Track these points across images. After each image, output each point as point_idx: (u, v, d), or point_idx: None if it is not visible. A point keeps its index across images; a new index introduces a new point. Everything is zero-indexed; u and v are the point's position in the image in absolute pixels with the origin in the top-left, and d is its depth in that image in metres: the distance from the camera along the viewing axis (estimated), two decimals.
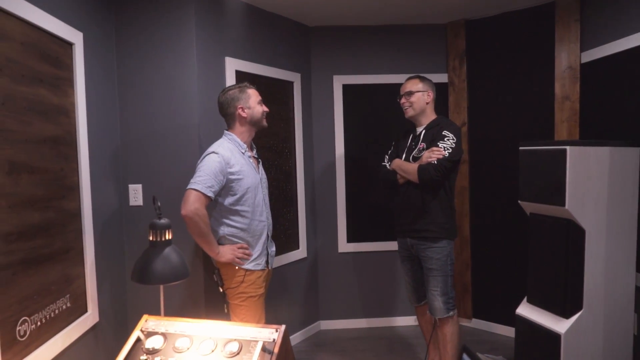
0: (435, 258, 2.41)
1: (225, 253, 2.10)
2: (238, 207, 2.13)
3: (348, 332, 3.51)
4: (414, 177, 2.36)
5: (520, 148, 2.37)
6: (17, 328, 1.50)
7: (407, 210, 2.48)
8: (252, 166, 2.21)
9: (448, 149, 2.32)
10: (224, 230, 2.15)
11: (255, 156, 2.31)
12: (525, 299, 2.43)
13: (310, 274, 3.49)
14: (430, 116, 2.53)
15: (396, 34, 3.49)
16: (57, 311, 1.75)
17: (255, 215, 2.19)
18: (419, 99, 2.48)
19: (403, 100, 2.53)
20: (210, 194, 2.00)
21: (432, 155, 2.33)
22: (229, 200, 2.12)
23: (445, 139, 2.35)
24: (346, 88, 3.51)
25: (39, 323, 1.63)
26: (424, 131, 2.49)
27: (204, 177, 2.00)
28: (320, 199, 3.53)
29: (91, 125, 2.11)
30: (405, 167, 2.44)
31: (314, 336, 3.48)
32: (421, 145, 2.45)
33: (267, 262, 2.27)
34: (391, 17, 3.32)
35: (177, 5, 2.50)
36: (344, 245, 3.56)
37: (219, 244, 2.13)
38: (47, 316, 1.69)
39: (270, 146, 3.10)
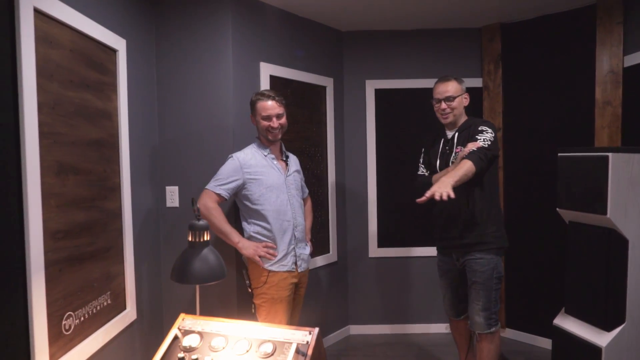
0: (479, 271, 2.26)
1: (248, 247, 2.18)
2: (258, 207, 2.22)
3: (377, 338, 3.49)
4: (471, 172, 2.05)
5: (559, 154, 2.31)
6: (63, 322, 1.57)
7: (453, 222, 2.31)
8: (277, 168, 2.28)
9: (487, 141, 2.17)
10: (250, 228, 2.26)
11: (283, 159, 2.36)
12: (562, 310, 2.36)
13: (340, 278, 3.49)
14: (462, 118, 2.39)
15: (429, 38, 3.46)
16: (98, 307, 1.82)
17: (279, 215, 2.23)
18: (459, 103, 2.34)
19: (443, 106, 2.33)
20: (220, 191, 2.19)
21: (469, 147, 2.16)
22: (249, 199, 2.23)
23: (483, 132, 2.21)
24: (378, 92, 3.50)
25: (82, 318, 1.69)
26: (457, 134, 2.35)
27: (217, 178, 2.21)
28: (351, 203, 3.53)
29: (132, 129, 2.19)
30: (458, 172, 2.02)
31: (343, 340, 3.47)
32: (458, 149, 2.30)
33: (295, 263, 2.28)
34: (424, 21, 3.30)
35: (214, 12, 2.56)
36: (375, 250, 3.54)
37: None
38: (90, 312, 1.75)
39: (302, 150, 3.13)
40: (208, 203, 2.17)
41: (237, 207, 2.41)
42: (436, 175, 2.34)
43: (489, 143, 2.18)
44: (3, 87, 1.32)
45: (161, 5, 2.55)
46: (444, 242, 2.41)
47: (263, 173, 2.23)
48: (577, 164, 2.20)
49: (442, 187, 1.89)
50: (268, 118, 2.24)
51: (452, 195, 1.86)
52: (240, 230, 2.31)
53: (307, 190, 2.61)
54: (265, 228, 2.23)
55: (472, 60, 3.46)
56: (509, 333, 3.43)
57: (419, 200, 1.94)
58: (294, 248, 2.28)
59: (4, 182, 1.32)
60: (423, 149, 2.58)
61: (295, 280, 2.29)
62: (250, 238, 2.24)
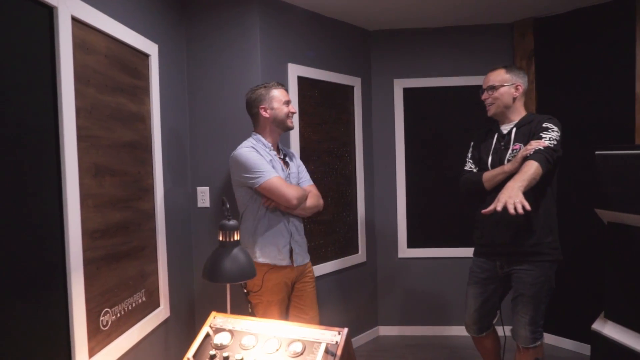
0: (530, 283, 2.08)
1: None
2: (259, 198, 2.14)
3: (407, 339, 3.46)
4: (538, 174, 1.85)
5: (597, 152, 2.22)
6: (101, 318, 1.63)
7: (505, 227, 2.11)
8: (279, 165, 2.20)
9: (553, 141, 1.96)
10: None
11: (282, 157, 2.27)
12: (602, 314, 2.28)
13: (369, 278, 3.48)
14: (520, 112, 2.18)
15: (459, 35, 3.40)
16: (134, 304, 1.88)
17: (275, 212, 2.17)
18: (503, 93, 2.14)
19: (485, 95, 2.20)
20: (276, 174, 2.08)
21: (532, 145, 1.95)
22: (251, 191, 2.14)
23: (548, 130, 1.99)
24: (407, 91, 3.47)
25: (118, 315, 1.75)
26: (514, 129, 2.15)
27: (258, 168, 2.06)
28: (380, 203, 3.51)
29: (164, 131, 2.25)
30: (525, 175, 1.82)
31: (372, 341, 3.45)
32: (516, 146, 2.10)
33: (290, 257, 2.19)
34: (454, 18, 3.25)
35: (242, 15, 2.60)
36: (404, 251, 3.51)
37: (256, 232, 2.15)
38: (126, 309, 1.81)
39: (330, 150, 3.13)
40: (285, 184, 2.07)
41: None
42: (487, 174, 2.13)
43: (555, 143, 1.97)
44: (43, 93, 1.38)
45: (191, 10, 2.61)
46: (489, 247, 2.22)
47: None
48: (616, 162, 2.11)
49: (513, 196, 1.67)
50: (288, 103, 2.21)
51: (528, 207, 1.65)
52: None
53: (309, 182, 2.40)
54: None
55: (504, 57, 3.37)
56: (546, 338, 3.32)
57: (484, 211, 1.74)
58: (289, 241, 2.19)
59: (46, 184, 1.38)
60: (472, 143, 2.38)
61: (291, 279, 2.22)
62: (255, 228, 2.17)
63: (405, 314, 3.55)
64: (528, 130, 2.11)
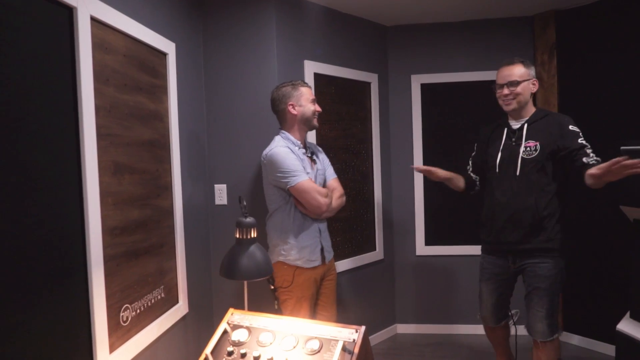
0: (544, 276, 2.09)
1: None
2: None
3: (426, 338, 3.43)
4: None
5: (622, 148, 2.15)
6: (121, 314, 1.65)
7: (515, 225, 2.12)
8: (307, 163, 2.21)
9: (588, 144, 2.06)
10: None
11: (309, 155, 2.27)
12: (627, 314, 2.21)
13: (387, 276, 3.46)
14: (531, 108, 2.19)
15: (478, 29, 3.34)
16: (153, 301, 1.90)
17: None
18: (525, 89, 2.11)
19: (506, 91, 2.14)
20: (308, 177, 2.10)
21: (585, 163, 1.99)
22: (283, 192, 2.15)
23: (580, 135, 2.07)
24: (424, 87, 3.43)
25: (138, 311, 1.77)
26: (525, 125, 2.14)
27: (291, 170, 2.06)
28: (398, 200, 3.48)
29: (182, 129, 2.27)
30: None
31: (390, 339, 3.43)
32: (531, 143, 2.10)
33: (322, 256, 2.22)
34: (472, 12, 3.19)
35: (259, 12, 2.60)
36: (422, 248, 3.47)
37: (287, 235, 2.16)
38: (145, 305, 1.83)
39: (347, 147, 3.12)
40: (317, 189, 2.08)
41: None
42: (593, 171, 1.86)
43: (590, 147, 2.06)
44: (64, 92, 1.40)
45: (207, 8, 2.62)
46: (497, 245, 2.23)
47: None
48: None
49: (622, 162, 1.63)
50: (314, 101, 2.23)
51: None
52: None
53: (333, 175, 2.41)
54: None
55: (524, 50, 3.30)
56: (566, 337, 3.26)
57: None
58: (319, 240, 2.22)
59: (66, 182, 1.40)
60: (476, 145, 2.41)
61: (320, 275, 2.24)
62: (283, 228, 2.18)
63: (423, 312, 3.52)
64: (546, 127, 2.10)
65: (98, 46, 1.56)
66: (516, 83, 2.12)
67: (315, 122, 2.24)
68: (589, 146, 2.06)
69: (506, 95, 2.16)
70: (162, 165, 2.05)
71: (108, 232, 1.59)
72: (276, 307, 2.23)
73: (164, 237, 2.04)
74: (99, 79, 1.56)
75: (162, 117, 2.07)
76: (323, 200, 2.10)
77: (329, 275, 2.32)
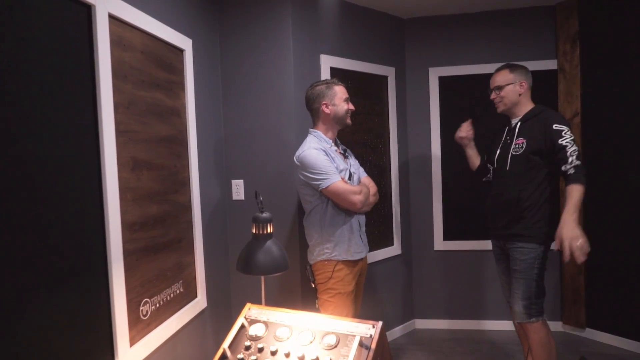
0: (520, 259, 2.22)
1: None
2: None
3: (444, 333, 3.40)
4: (582, 194, 2.04)
5: None
6: (140, 308, 1.68)
7: (500, 215, 2.32)
8: (340, 159, 2.23)
9: (573, 146, 2.07)
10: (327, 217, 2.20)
11: (342, 152, 2.31)
12: None
13: (405, 271, 3.43)
14: (526, 106, 2.31)
15: (497, 19, 3.27)
16: (172, 295, 1.93)
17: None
18: (509, 92, 2.30)
19: (493, 95, 2.37)
20: (341, 177, 2.11)
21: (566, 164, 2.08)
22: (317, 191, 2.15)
23: (564, 136, 2.09)
24: (442, 80, 3.38)
25: (157, 305, 1.80)
26: (519, 124, 2.29)
27: (323, 171, 2.07)
28: (415, 194, 3.45)
29: (199, 125, 2.28)
30: (575, 203, 2.02)
31: (409, 334, 3.42)
32: (519, 141, 2.25)
33: (362, 250, 2.26)
34: (492, 2, 3.13)
35: (275, 7, 2.59)
36: (440, 243, 3.44)
37: (327, 232, 2.17)
38: (164, 299, 1.86)
39: (365, 142, 3.10)
40: (353, 188, 2.11)
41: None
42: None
43: (576, 147, 2.08)
44: (83, 89, 1.42)
45: (224, 4, 2.63)
46: (494, 230, 2.44)
47: (335, 163, 2.17)
48: None
49: (575, 239, 1.92)
50: (348, 100, 2.25)
51: (587, 249, 1.93)
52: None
53: (364, 174, 2.45)
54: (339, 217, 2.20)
55: (546, 40, 3.22)
56: (589, 333, 3.20)
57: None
58: (360, 234, 2.25)
59: (87, 178, 1.42)
60: (492, 138, 2.55)
61: (358, 270, 2.27)
62: (328, 226, 2.18)
63: (441, 307, 3.49)
64: (534, 125, 2.21)
65: (116, 43, 1.57)
66: (500, 87, 2.32)
67: (348, 120, 2.27)
68: (571, 145, 2.07)
69: (494, 99, 2.37)
70: (180, 160, 2.07)
71: (127, 227, 1.61)
72: (317, 306, 2.24)
73: (182, 232, 2.06)
74: (117, 75, 1.57)
75: (179, 113, 2.08)
76: (357, 199, 2.11)
77: (363, 270, 2.35)
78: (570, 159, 2.06)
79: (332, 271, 2.17)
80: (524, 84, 2.29)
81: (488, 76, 3.27)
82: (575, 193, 2.02)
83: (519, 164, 2.24)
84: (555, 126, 2.13)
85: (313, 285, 2.23)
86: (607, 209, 3.05)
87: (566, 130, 2.11)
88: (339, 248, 2.16)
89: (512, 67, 2.32)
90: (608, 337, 3.10)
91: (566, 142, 2.08)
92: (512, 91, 2.29)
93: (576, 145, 2.09)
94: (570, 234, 1.95)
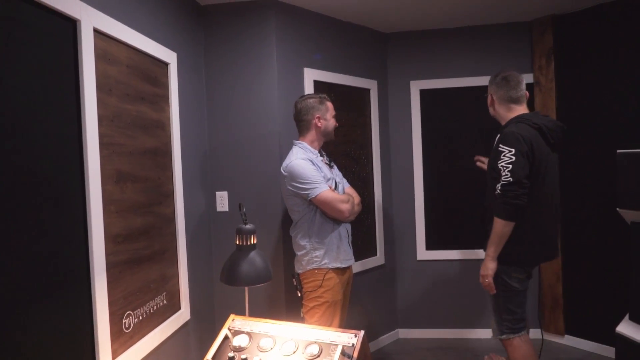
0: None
1: None
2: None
3: (428, 342, 3.43)
4: (504, 227, 2.05)
5: (618, 152, 2.18)
6: (123, 321, 1.68)
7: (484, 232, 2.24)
8: (326, 168, 2.29)
9: (507, 172, 1.98)
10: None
11: (327, 162, 2.38)
12: (627, 316, 2.22)
13: (388, 281, 3.47)
14: (507, 115, 2.21)
15: (476, 34, 3.37)
16: (155, 307, 1.92)
17: None
18: (489, 103, 2.30)
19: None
20: (329, 186, 2.17)
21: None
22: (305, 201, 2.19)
23: (502, 158, 2.01)
24: (423, 93, 3.46)
25: (140, 317, 1.80)
26: (498, 135, 2.19)
27: (311, 180, 2.12)
28: (398, 205, 3.50)
29: (184, 137, 2.30)
30: (493, 238, 2.08)
31: (392, 344, 3.44)
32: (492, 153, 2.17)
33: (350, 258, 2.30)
34: (470, 18, 3.23)
35: (259, 22, 2.64)
36: (423, 253, 3.49)
37: (315, 241, 2.20)
38: (148, 311, 1.86)
39: (347, 153, 3.14)
40: (339, 196, 2.18)
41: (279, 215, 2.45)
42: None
43: (508, 173, 1.98)
44: (67, 102, 1.43)
45: (208, 18, 2.66)
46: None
47: (322, 172, 2.22)
48: (638, 161, 2.06)
49: (483, 277, 2.14)
50: (334, 116, 2.34)
51: (492, 291, 2.15)
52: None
53: (347, 184, 2.50)
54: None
55: (522, 55, 3.33)
56: (568, 340, 3.27)
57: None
58: (348, 242, 2.31)
59: (70, 190, 1.43)
60: None
61: (346, 279, 2.31)
62: (318, 236, 2.21)
63: (425, 317, 3.53)
64: (496, 141, 2.17)
65: (101, 57, 1.59)
66: (486, 96, 2.34)
67: (333, 135, 2.38)
68: (504, 170, 1.99)
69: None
70: (164, 173, 2.08)
71: (111, 239, 1.62)
72: (302, 315, 2.25)
73: (166, 244, 2.06)
74: (102, 89, 1.59)
75: (164, 126, 2.10)
76: (345, 207, 2.18)
77: (350, 280, 2.39)
78: (498, 186, 2.01)
79: (322, 280, 2.19)
80: (492, 95, 2.26)
81: (467, 89, 3.39)
82: (495, 226, 2.05)
83: (489, 176, 2.19)
84: (500, 147, 2.05)
85: (299, 294, 2.24)
86: (581, 218, 3.14)
87: (506, 152, 2.01)
88: (328, 256, 2.19)
89: (490, 79, 2.30)
90: (587, 343, 3.17)
91: (501, 166, 2.01)
92: (489, 103, 2.31)
93: (510, 171, 1.98)
94: (481, 272, 2.14)
